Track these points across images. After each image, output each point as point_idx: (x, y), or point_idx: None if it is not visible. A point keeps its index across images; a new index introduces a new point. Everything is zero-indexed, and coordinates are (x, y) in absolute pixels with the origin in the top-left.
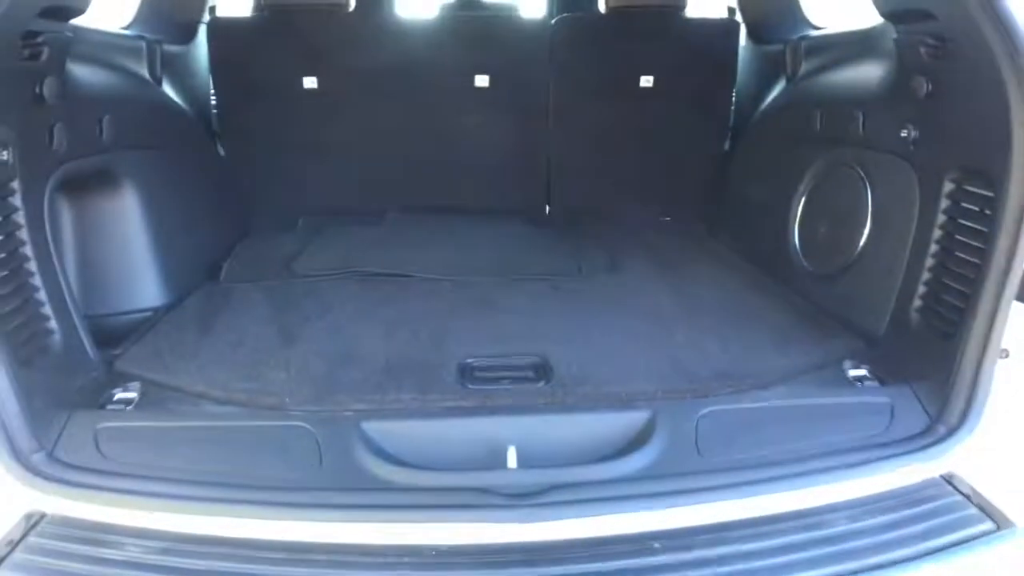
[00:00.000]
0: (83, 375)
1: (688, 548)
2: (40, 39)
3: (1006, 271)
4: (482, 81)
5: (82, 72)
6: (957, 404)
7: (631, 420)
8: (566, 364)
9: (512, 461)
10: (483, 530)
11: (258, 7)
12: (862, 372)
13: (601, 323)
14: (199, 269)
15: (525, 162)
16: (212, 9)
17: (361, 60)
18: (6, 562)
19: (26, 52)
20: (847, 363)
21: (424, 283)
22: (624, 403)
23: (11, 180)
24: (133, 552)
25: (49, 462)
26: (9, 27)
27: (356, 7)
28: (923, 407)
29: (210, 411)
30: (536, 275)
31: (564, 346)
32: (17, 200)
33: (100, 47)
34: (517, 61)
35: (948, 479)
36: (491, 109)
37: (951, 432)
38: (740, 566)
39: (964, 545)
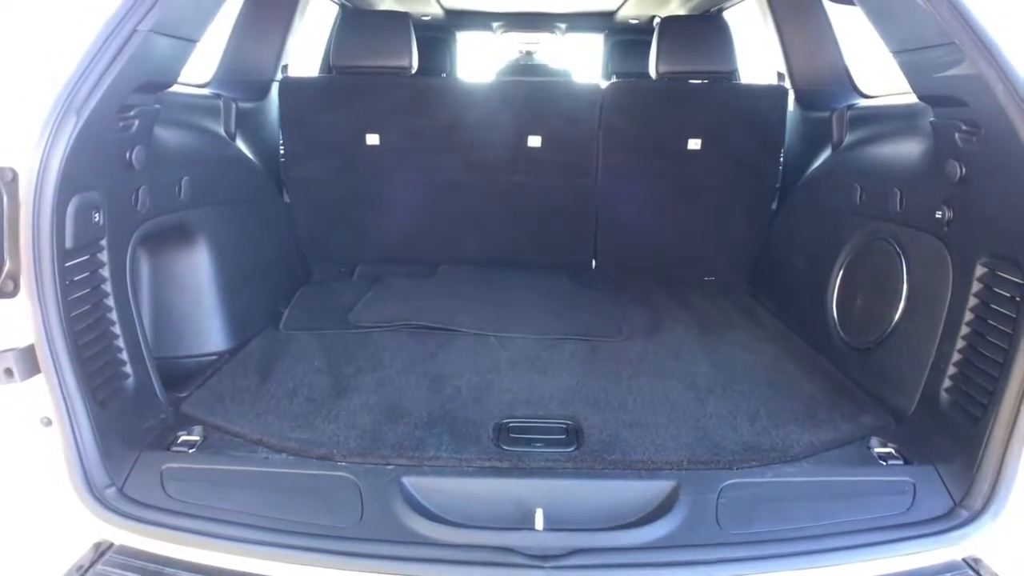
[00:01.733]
0: (152, 417)
1: None
2: (133, 112)
3: None
4: (534, 141)
5: (166, 135)
6: (982, 488)
7: (655, 489)
8: (597, 429)
9: (539, 523)
10: None
11: (326, 68)
12: (888, 450)
13: (636, 388)
14: (262, 315)
15: (573, 220)
16: (284, 68)
17: (421, 119)
18: (94, 568)
19: (120, 124)
20: (874, 440)
21: (470, 338)
22: (650, 472)
23: (100, 239)
24: None
25: (119, 497)
26: (110, 103)
27: (419, 70)
28: (947, 489)
29: (265, 457)
30: (578, 335)
31: (597, 411)
32: (104, 256)
33: (181, 108)
34: (569, 123)
35: (972, 563)
36: (542, 168)
37: (974, 516)
38: None
39: None
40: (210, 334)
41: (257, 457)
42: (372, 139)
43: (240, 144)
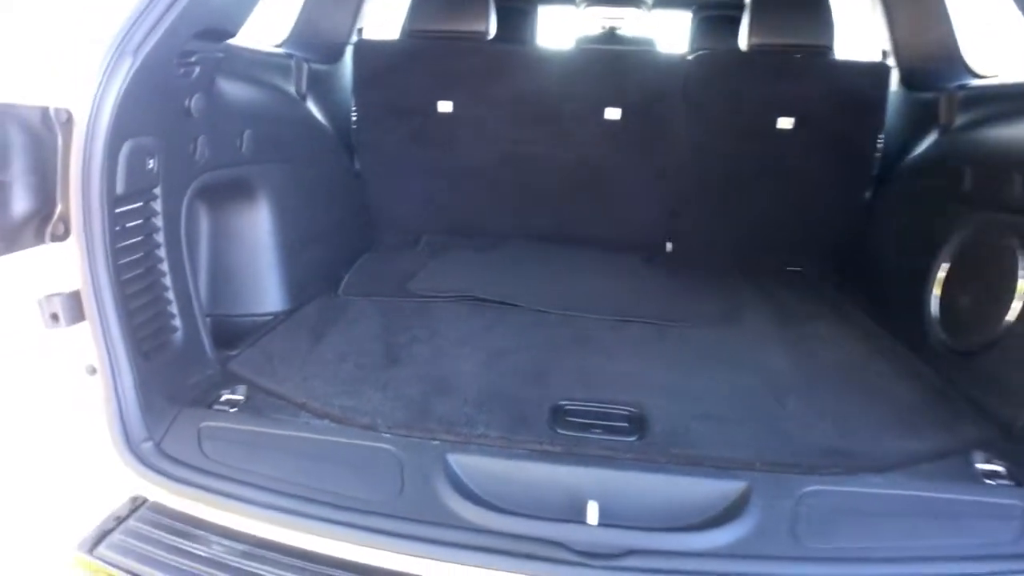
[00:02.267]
0: (198, 373)
1: None
2: (193, 58)
3: None
4: (613, 114)
5: (229, 88)
6: None
7: (724, 489)
8: (663, 419)
9: (592, 517)
10: None
11: (404, 32)
12: (994, 467)
13: (706, 378)
14: (322, 278)
15: (650, 198)
16: (360, 31)
17: (495, 87)
18: (109, 538)
19: (180, 70)
20: (977, 455)
21: (531, 314)
22: (719, 470)
23: (154, 187)
24: (217, 550)
25: (156, 453)
26: (167, 47)
27: (496, 36)
28: None
29: (306, 423)
30: (645, 318)
31: (663, 399)
32: (158, 205)
33: (251, 64)
34: (650, 96)
35: None
36: (620, 142)
37: None
38: None
39: None
40: (267, 294)
41: (298, 422)
42: (445, 106)
43: (311, 106)
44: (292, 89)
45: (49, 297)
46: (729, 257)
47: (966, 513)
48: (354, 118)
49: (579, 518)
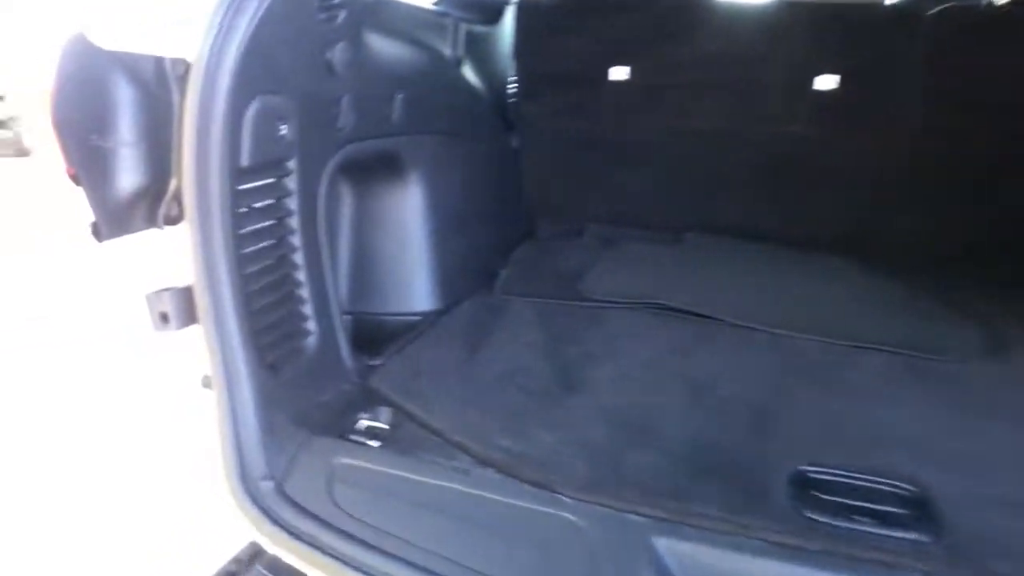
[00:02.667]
0: (333, 388)
1: None
2: (337, 1)
3: None
4: (824, 83)
5: (378, 43)
6: None
7: None
8: (958, 506)
9: None
10: None
11: None
12: None
13: (995, 438)
14: (475, 273)
15: (872, 190)
16: None
17: (677, 49)
18: None
19: (320, 15)
20: None
21: (734, 331)
22: None
23: (287, 159)
24: None
25: (276, 496)
26: None
27: None
28: None
29: (466, 471)
30: (884, 345)
31: (951, 472)
32: (292, 182)
33: (401, 17)
34: (874, 62)
35: None
36: (832, 118)
37: None
38: None
39: None
40: (416, 289)
41: (456, 468)
42: (617, 73)
43: (467, 72)
44: (448, 51)
45: (159, 293)
46: (982, 264)
47: None
48: (513, 88)
49: None
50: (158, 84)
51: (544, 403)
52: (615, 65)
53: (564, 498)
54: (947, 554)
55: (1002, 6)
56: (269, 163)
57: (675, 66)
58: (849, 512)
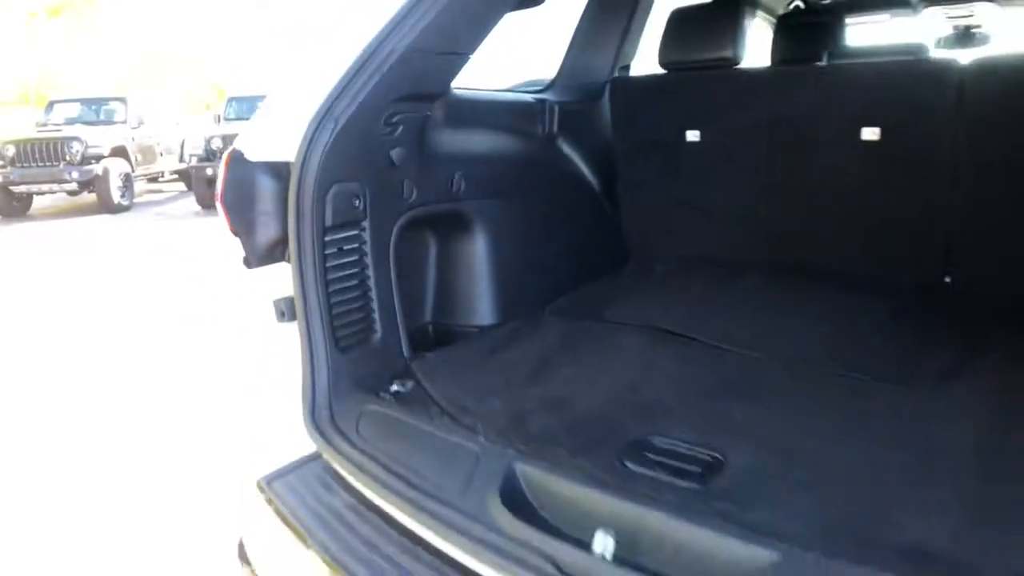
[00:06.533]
0: (388, 368)
1: None
2: (396, 119)
3: None
4: (870, 134)
5: (443, 135)
6: None
7: (748, 558)
8: (747, 476)
9: (601, 547)
10: None
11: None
12: None
13: (827, 443)
14: (536, 300)
15: (912, 230)
16: (624, 68)
17: (741, 113)
18: (284, 478)
19: (385, 129)
20: None
21: (708, 350)
22: (755, 534)
23: (361, 220)
24: (339, 503)
25: (330, 425)
26: (367, 113)
27: (784, 58)
28: None
29: (430, 418)
30: (840, 370)
31: (762, 456)
32: (366, 235)
33: (475, 109)
34: (915, 112)
35: None
36: (876, 165)
37: None
38: None
39: None
40: (479, 309)
41: (430, 416)
42: (692, 135)
43: (563, 143)
44: (539, 130)
45: (278, 300)
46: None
47: None
48: (607, 155)
49: (585, 545)
50: (281, 177)
51: (512, 387)
52: (691, 129)
53: (481, 438)
54: (701, 496)
55: None
56: (347, 223)
57: (739, 129)
58: (656, 465)
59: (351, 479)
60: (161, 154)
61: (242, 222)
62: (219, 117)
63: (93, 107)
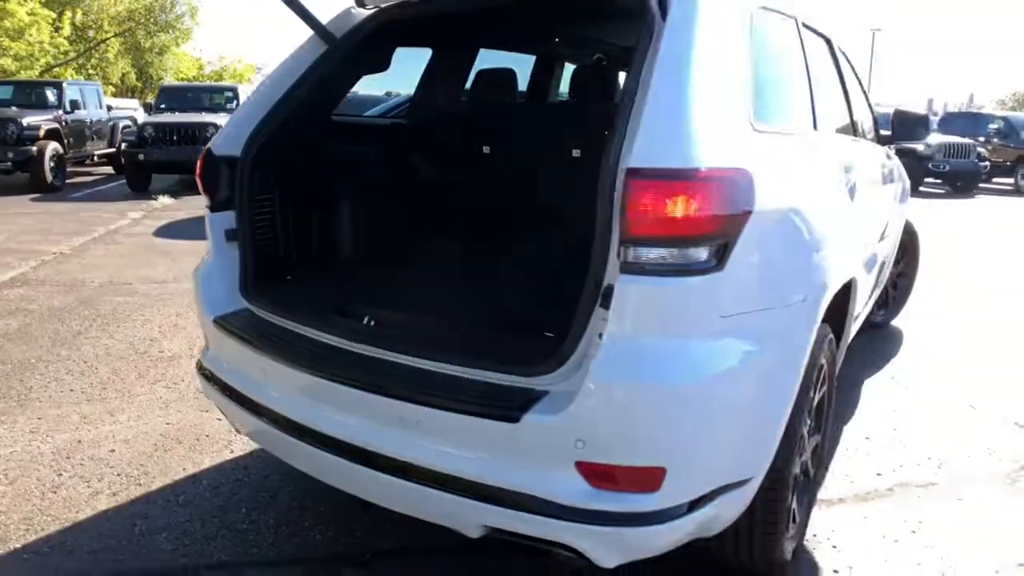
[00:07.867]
0: (283, 269)
1: None
2: (298, 134)
3: None
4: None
5: (325, 144)
6: None
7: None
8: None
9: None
10: None
11: None
12: None
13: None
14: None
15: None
16: None
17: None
18: (237, 313)
19: (292, 139)
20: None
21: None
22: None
23: (274, 190)
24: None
25: (252, 293)
26: (281, 130)
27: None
28: None
29: (304, 294)
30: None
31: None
32: (276, 199)
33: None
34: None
35: None
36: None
37: None
38: None
39: None
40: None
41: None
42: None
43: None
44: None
45: (228, 229)
46: None
47: None
48: None
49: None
50: (231, 165)
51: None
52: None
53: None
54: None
55: None
56: (265, 191)
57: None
58: (341, 315)
59: (261, 313)
60: (92, 138)
61: (210, 187)
62: (151, 107)
63: (27, 90)
